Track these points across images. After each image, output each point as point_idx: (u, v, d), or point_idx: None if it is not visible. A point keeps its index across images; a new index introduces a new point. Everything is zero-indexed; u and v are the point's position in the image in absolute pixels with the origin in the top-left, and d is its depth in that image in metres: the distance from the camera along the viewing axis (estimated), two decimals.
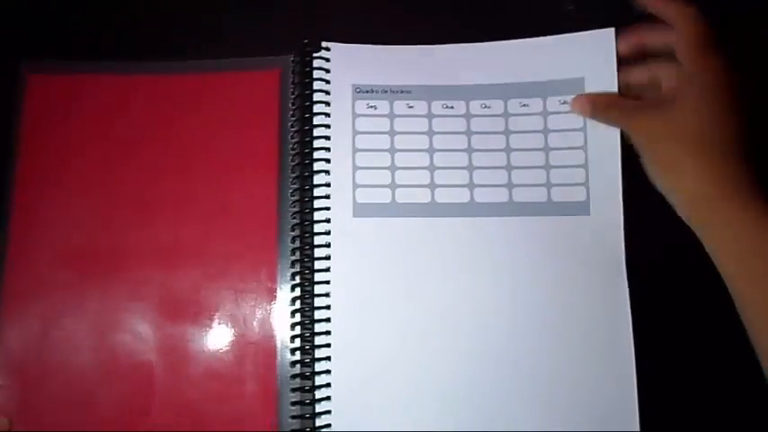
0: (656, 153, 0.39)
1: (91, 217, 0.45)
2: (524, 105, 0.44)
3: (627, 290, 0.40)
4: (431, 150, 0.43)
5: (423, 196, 0.43)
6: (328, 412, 0.40)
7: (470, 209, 0.42)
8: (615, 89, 0.42)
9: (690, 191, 0.37)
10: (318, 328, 0.41)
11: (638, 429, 0.39)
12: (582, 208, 0.42)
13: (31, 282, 0.44)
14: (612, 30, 0.43)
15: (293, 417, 0.40)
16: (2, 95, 0.46)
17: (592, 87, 0.43)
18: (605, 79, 0.42)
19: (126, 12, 0.49)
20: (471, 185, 0.43)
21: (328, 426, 0.40)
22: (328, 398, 0.40)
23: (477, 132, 0.44)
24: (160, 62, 0.48)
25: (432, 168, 0.43)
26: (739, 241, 0.36)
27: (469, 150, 0.43)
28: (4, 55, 0.47)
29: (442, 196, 0.43)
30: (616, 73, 0.42)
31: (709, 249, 0.37)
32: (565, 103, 0.43)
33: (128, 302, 0.44)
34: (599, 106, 0.42)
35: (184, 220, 0.45)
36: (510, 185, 0.43)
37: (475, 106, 0.44)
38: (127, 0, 0.49)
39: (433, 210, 0.42)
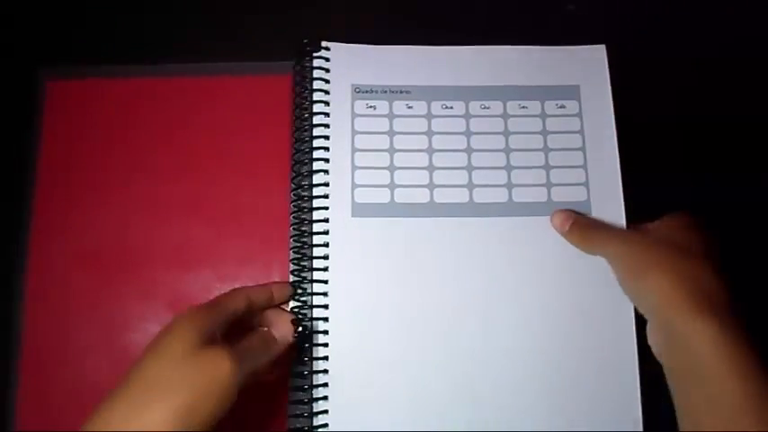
0: (628, 269, 0.37)
1: (107, 219, 0.47)
2: (523, 107, 0.44)
3: None
4: (430, 150, 0.43)
5: (422, 196, 0.42)
6: (325, 412, 0.40)
7: (469, 209, 0.42)
8: (609, 98, 0.43)
9: (656, 291, 0.34)
10: (316, 327, 0.41)
11: (641, 430, 0.38)
12: (584, 207, 0.42)
13: (50, 283, 0.46)
14: (603, 46, 0.44)
15: (291, 416, 0.40)
16: (21, 102, 0.48)
17: (587, 94, 0.44)
18: (599, 89, 0.44)
19: (136, 15, 0.50)
20: (470, 185, 0.43)
21: (325, 425, 0.39)
22: (325, 397, 0.40)
23: (476, 133, 0.44)
24: (174, 65, 0.49)
25: (431, 168, 0.43)
26: (703, 347, 0.32)
27: (469, 150, 0.43)
28: (21, 62, 0.49)
29: (441, 196, 0.42)
30: (609, 84, 0.43)
31: (670, 355, 0.34)
32: (562, 107, 0.44)
33: (141, 303, 0.45)
34: (579, 229, 0.40)
35: (197, 222, 0.46)
36: (510, 185, 0.43)
37: (474, 107, 0.44)
38: (136, 4, 0.50)
39: (432, 210, 0.42)
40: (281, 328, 0.40)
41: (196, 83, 0.49)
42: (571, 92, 0.44)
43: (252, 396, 0.39)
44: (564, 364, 0.40)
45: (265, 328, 0.40)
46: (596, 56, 0.44)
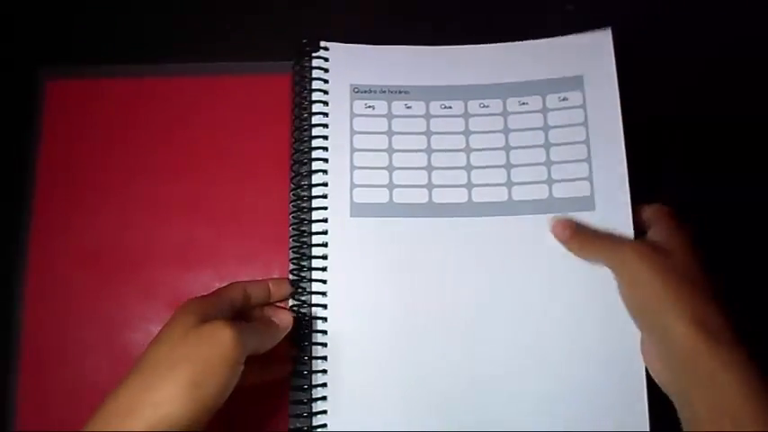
0: (641, 291, 0.37)
1: (107, 219, 0.47)
2: (523, 104, 0.43)
3: None
4: (428, 150, 0.43)
5: (420, 196, 0.42)
6: (324, 412, 0.40)
7: (468, 208, 0.42)
8: (615, 87, 0.42)
9: (675, 331, 0.34)
10: (315, 327, 0.41)
11: (647, 429, 0.38)
12: (587, 203, 0.41)
13: (50, 283, 0.46)
14: (609, 30, 0.42)
15: (291, 416, 0.40)
16: (21, 102, 0.48)
17: (592, 84, 0.43)
18: (604, 77, 0.42)
19: (136, 15, 0.50)
20: (469, 185, 0.42)
21: (324, 426, 0.39)
22: (324, 398, 0.40)
23: (475, 132, 0.43)
24: (174, 65, 0.49)
25: (429, 168, 0.43)
26: (716, 386, 0.33)
27: (467, 150, 0.43)
28: (21, 62, 0.49)
29: (440, 196, 0.42)
30: (615, 71, 0.42)
31: (682, 396, 0.35)
32: (564, 99, 0.43)
33: (142, 302, 0.46)
34: (580, 236, 0.40)
35: (197, 222, 0.47)
36: (509, 184, 0.42)
37: (473, 106, 0.43)
38: (136, 4, 0.50)
39: (430, 210, 0.42)
40: (281, 316, 0.40)
41: (196, 83, 0.49)
42: (574, 83, 0.43)
43: (254, 395, 0.39)
44: (567, 363, 0.40)
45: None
46: (601, 41, 0.43)
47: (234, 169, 0.47)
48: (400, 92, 0.44)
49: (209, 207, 0.47)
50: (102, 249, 0.46)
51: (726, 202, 0.43)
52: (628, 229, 0.40)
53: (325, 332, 0.41)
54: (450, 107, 0.44)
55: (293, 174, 0.43)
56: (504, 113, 0.43)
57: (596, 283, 0.39)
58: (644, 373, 0.38)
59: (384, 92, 0.44)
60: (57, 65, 0.49)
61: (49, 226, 0.47)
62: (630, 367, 0.38)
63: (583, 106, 0.42)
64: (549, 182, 0.42)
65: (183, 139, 0.48)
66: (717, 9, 0.47)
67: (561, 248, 0.41)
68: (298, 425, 0.39)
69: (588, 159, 0.42)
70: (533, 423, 0.39)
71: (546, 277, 0.41)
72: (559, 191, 0.42)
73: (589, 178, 0.41)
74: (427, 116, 0.44)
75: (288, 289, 0.42)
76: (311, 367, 0.40)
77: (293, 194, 0.43)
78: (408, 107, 0.44)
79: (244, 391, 0.36)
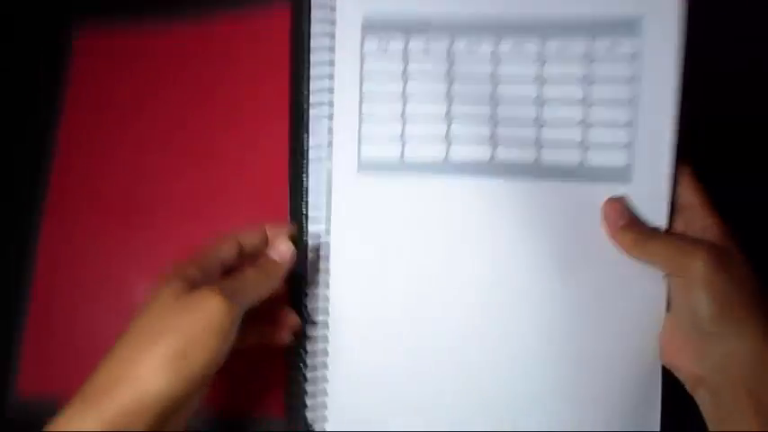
0: (710, 299, 0.33)
1: (121, 167, 0.46)
2: (565, 47, 0.36)
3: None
4: (449, 98, 0.37)
5: (436, 152, 0.37)
6: (325, 379, 0.39)
7: (490, 169, 0.37)
8: (676, 37, 0.34)
9: (743, 342, 0.33)
10: (316, 295, 0.39)
11: (658, 429, 0.36)
12: (622, 174, 0.35)
13: (65, 228, 0.46)
14: None
15: (287, 390, 0.39)
16: (49, 54, 0.48)
17: (652, 31, 0.35)
18: (666, 21, 0.34)
19: None
20: (493, 141, 0.36)
21: (323, 390, 0.39)
22: (325, 364, 0.39)
23: (504, 79, 0.36)
24: (182, 13, 0.47)
25: (449, 119, 0.37)
26: None
27: (494, 100, 0.36)
28: (48, 16, 0.49)
29: (459, 153, 0.37)
30: (681, 16, 0.34)
31: (719, 395, 0.33)
32: (614, 47, 0.35)
33: (149, 252, 0.45)
34: (637, 230, 0.35)
35: (204, 172, 0.45)
36: (538, 144, 0.36)
37: (505, 46, 0.36)
38: None
39: (446, 168, 0.37)
40: (280, 248, 0.37)
41: (203, 29, 0.47)
42: (629, 26, 0.35)
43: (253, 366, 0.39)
44: (585, 356, 0.36)
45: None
46: None
47: (236, 115, 0.45)
48: (420, 25, 0.37)
49: (217, 155, 0.45)
50: (117, 196, 0.46)
51: (726, 202, 0.38)
52: (662, 210, 0.35)
53: (326, 298, 0.38)
54: (478, 45, 0.36)
55: (292, 124, 0.39)
56: (541, 58, 0.36)
57: (625, 268, 0.35)
58: (659, 372, 0.36)
59: (401, 26, 0.37)
60: (85, 18, 0.48)
61: (68, 175, 0.47)
62: (647, 365, 0.36)
63: (635, 58, 0.35)
64: (584, 146, 0.36)
65: (192, 87, 0.47)
66: (717, 9, 0.41)
67: (587, 223, 0.36)
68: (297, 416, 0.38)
69: (632, 124, 0.35)
70: (541, 422, 0.37)
71: (566, 256, 0.36)
72: (594, 157, 0.36)
73: (628, 147, 0.35)
74: (450, 56, 0.37)
75: (291, 230, 0.38)
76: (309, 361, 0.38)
77: (294, 145, 0.39)
78: (428, 44, 0.37)
79: (244, 354, 0.35)
